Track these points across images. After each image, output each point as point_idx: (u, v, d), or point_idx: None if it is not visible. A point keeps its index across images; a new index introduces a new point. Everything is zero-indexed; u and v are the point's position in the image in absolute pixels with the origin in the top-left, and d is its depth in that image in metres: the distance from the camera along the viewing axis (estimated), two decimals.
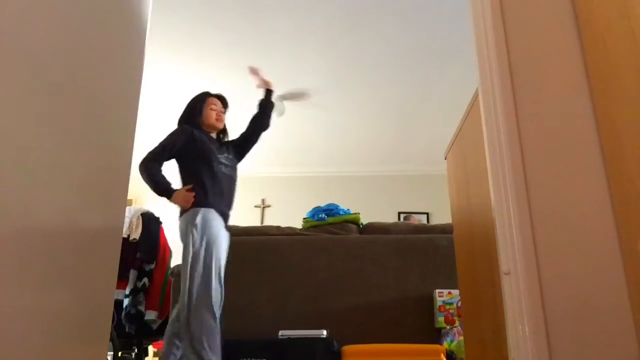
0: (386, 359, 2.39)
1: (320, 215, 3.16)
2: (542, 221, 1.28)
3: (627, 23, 1.19)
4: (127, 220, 2.98)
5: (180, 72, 4.48)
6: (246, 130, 2.87)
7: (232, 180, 2.67)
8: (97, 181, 1.27)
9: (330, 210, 3.16)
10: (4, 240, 0.89)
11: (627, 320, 1.19)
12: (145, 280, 3.00)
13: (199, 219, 2.40)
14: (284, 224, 3.20)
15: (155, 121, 5.18)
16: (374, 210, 5.24)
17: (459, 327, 2.62)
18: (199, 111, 2.71)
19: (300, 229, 3.15)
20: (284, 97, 3.53)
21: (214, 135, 2.77)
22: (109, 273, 1.33)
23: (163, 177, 2.51)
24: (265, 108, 2.90)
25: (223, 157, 2.65)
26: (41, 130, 1.03)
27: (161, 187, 2.47)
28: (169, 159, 2.58)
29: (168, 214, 4.29)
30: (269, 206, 6.54)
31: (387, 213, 6.02)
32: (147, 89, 4.60)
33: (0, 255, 0.88)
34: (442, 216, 5.16)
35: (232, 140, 2.87)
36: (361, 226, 3.17)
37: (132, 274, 2.98)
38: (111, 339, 2.77)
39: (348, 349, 2.46)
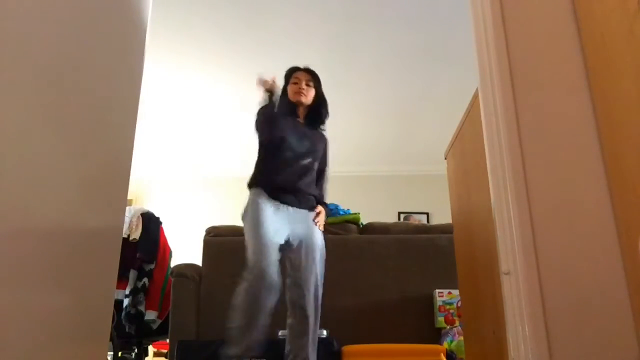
0: (386, 359, 2.39)
1: None
2: (542, 221, 1.28)
3: (627, 23, 1.18)
4: (127, 220, 2.98)
5: (180, 72, 4.47)
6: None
7: None
8: (97, 181, 1.27)
9: (330, 210, 3.15)
10: (4, 240, 0.89)
11: (627, 320, 1.19)
12: (145, 280, 3.00)
13: None
14: None
15: (156, 121, 5.22)
16: (374, 210, 5.23)
17: (459, 327, 2.62)
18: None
19: None
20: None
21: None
22: (109, 273, 1.34)
23: None
24: None
25: None
26: (41, 131, 1.03)
27: None
28: None
29: (168, 214, 4.29)
30: None
31: (387, 213, 6.01)
32: (147, 89, 4.59)
33: (0, 255, 0.88)
34: (442, 216, 5.15)
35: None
36: (361, 226, 3.16)
37: (132, 274, 2.97)
38: (111, 339, 2.77)
39: (348, 349, 2.45)
